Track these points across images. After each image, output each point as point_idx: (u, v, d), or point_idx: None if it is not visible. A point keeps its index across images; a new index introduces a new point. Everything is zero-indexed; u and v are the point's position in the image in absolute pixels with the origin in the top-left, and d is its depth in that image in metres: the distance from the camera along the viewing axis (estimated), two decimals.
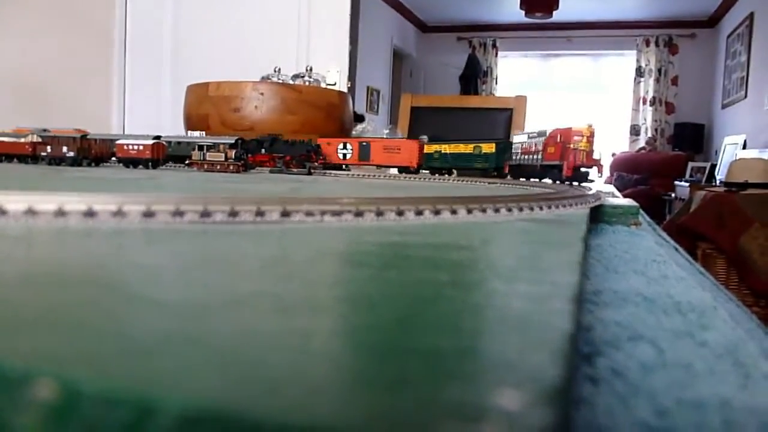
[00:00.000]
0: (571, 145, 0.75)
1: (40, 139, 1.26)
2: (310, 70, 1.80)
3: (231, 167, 1.13)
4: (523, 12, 5.00)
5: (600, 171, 0.78)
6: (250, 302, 0.17)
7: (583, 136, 0.75)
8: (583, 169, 0.76)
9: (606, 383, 0.17)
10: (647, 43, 6.21)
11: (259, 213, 0.32)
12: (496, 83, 6.65)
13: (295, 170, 1.16)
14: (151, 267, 0.22)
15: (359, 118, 2.20)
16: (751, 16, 4.76)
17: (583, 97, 6.42)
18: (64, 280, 0.20)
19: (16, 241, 0.27)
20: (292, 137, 1.30)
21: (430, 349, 0.13)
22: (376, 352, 0.13)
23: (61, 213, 0.31)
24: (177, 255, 0.25)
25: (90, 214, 0.31)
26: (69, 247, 0.26)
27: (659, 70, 6.18)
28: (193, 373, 0.11)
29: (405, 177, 1.12)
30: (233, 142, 1.16)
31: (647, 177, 5.24)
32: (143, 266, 0.22)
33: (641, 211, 0.58)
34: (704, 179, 4.47)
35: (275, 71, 1.77)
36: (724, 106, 5.44)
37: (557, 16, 5.15)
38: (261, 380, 0.11)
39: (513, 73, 6.68)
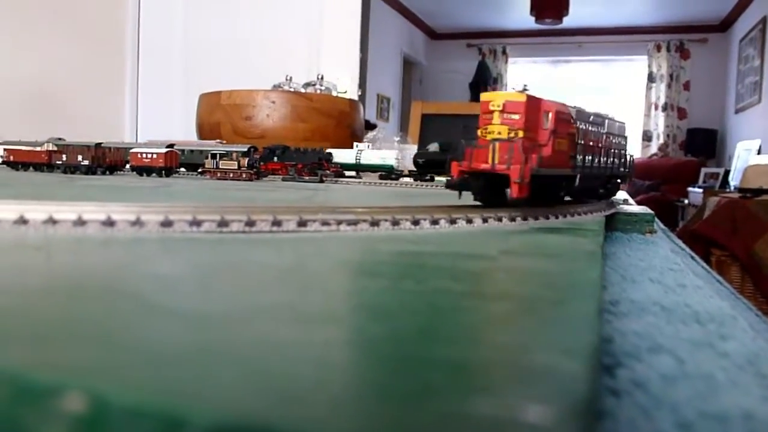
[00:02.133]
0: (487, 130, 0.41)
1: (55, 148, 1.27)
2: (321, 78, 1.81)
3: (244, 175, 1.13)
4: (533, 18, 5.00)
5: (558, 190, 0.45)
6: (272, 313, 0.17)
7: (491, 112, 0.40)
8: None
9: (628, 395, 0.17)
10: (658, 49, 6.19)
11: (276, 223, 0.32)
12: (506, 90, 6.64)
13: (306, 178, 1.17)
14: (173, 277, 0.22)
15: (370, 126, 2.21)
16: (763, 20, 4.73)
17: (593, 103, 6.38)
18: (89, 290, 0.20)
19: (40, 251, 0.27)
20: (303, 145, 1.31)
21: (453, 361, 0.13)
22: (399, 364, 0.13)
23: (80, 222, 0.31)
24: (198, 265, 0.25)
25: (109, 223, 0.31)
26: (92, 256, 0.26)
27: (671, 76, 6.15)
28: (221, 385, 0.11)
29: (416, 185, 1.12)
30: (246, 150, 1.16)
31: (659, 183, 5.21)
32: (166, 277, 0.22)
33: (656, 219, 0.58)
34: (718, 185, 4.44)
35: (287, 80, 1.78)
36: (737, 111, 5.39)
37: (567, 22, 5.14)
38: (286, 392, 0.11)
39: (523, 80, 6.67)
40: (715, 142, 5.78)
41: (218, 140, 1.36)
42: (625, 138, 0.62)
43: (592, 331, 0.15)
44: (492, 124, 0.40)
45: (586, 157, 0.49)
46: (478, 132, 0.42)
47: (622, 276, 0.35)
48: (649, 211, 0.57)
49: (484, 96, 0.42)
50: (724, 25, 5.87)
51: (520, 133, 0.40)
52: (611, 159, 0.56)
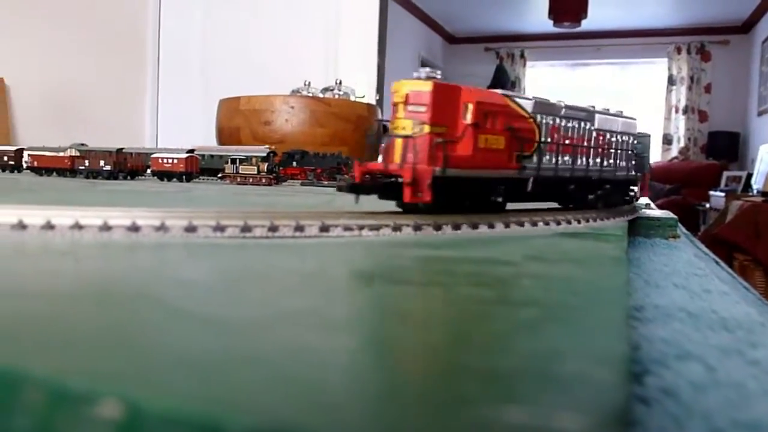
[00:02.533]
0: (394, 125, 0.37)
1: (78, 154, 1.29)
2: (340, 83, 1.82)
3: (263, 180, 1.14)
4: (551, 21, 4.97)
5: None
6: (300, 319, 0.17)
7: (396, 104, 0.36)
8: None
9: (657, 403, 0.16)
10: (678, 51, 6.12)
11: (299, 228, 0.32)
12: (524, 93, 6.60)
13: (325, 182, 1.17)
14: (200, 283, 0.23)
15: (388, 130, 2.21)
16: None
17: (613, 107, 6.33)
18: (118, 296, 0.20)
19: (67, 256, 0.27)
20: (322, 150, 1.32)
21: (483, 369, 0.13)
22: (429, 371, 0.13)
23: (106, 227, 0.32)
24: (225, 271, 0.25)
25: (134, 228, 0.32)
26: (119, 262, 0.27)
27: (691, 78, 6.08)
28: (252, 390, 0.12)
29: None
30: (265, 155, 1.17)
31: (680, 186, 5.15)
32: (193, 282, 0.23)
33: (679, 224, 0.57)
34: (740, 189, 4.37)
35: (305, 85, 1.79)
36: (760, 114, 5.31)
37: (586, 25, 5.10)
38: (316, 398, 0.11)
39: (541, 83, 6.65)
40: (738, 145, 5.70)
41: (267, 146, 1.32)
42: (637, 136, 0.53)
43: (621, 338, 0.15)
44: (398, 118, 0.35)
45: (553, 158, 0.42)
46: (388, 126, 0.36)
47: (646, 281, 0.35)
48: (672, 215, 0.56)
49: (393, 86, 0.36)
50: (746, 26, 5.79)
51: (426, 128, 0.34)
52: (608, 160, 0.48)
